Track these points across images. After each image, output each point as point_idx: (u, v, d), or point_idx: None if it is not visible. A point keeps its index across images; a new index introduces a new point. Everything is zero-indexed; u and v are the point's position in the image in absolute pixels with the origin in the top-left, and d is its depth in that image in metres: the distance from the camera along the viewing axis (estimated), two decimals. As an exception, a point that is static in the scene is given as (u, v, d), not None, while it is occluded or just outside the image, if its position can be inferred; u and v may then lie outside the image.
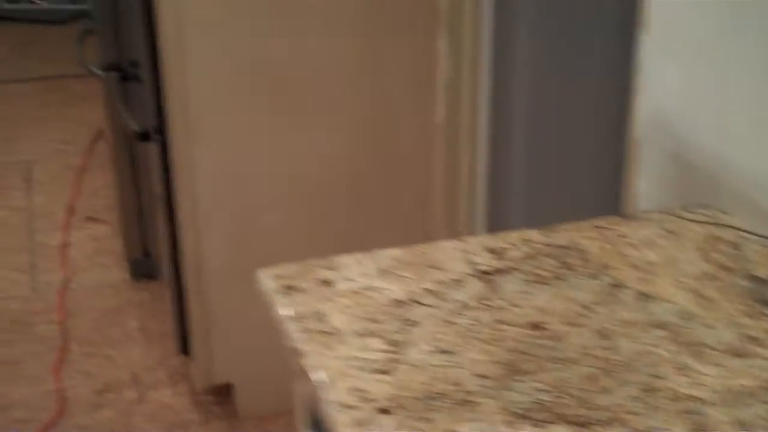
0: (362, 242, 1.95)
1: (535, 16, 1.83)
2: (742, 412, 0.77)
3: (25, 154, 3.24)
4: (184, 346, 1.97)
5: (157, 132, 1.80)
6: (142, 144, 2.17)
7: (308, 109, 1.86)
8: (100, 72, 2.31)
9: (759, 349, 0.85)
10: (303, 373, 0.86)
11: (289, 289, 0.97)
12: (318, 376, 0.83)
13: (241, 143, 1.82)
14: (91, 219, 2.83)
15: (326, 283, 0.98)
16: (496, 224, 2.00)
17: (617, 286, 0.96)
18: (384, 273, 0.99)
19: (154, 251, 2.43)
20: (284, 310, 0.93)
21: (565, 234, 1.06)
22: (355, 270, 1.00)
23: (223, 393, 2.05)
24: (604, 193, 1.82)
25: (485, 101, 1.91)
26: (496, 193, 2.01)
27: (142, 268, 2.51)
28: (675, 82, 1.23)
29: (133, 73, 2.13)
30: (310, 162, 1.89)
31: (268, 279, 0.99)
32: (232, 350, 1.95)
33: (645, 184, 1.32)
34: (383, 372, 0.83)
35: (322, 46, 1.83)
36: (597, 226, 1.08)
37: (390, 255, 1.03)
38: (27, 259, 2.64)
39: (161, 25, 1.71)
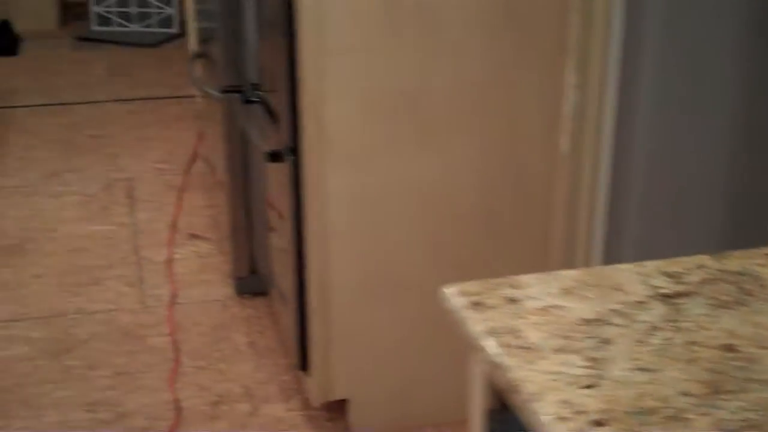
0: (484, 264, 2.01)
1: (666, 45, 1.87)
2: None
3: (126, 172, 3.34)
4: (303, 362, 2.02)
5: (290, 152, 1.87)
6: (258, 164, 2.24)
7: (438, 132, 1.91)
8: (217, 94, 2.38)
9: None
10: (509, 386, 0.89)
11: (478, 306, 1.00)
12: (527, 388, 0.86)
13: (372, 164, 1.88)
14: (193, 236, 2.91)
15: (512, 300, 1.02)
16: (612, 255, 2.03)
17: None
18: (567, 292, 1.03)
19: (261, 269, 2.49)
20: (478, 325, 0.97)
21: (737, 261, 1.09)
22: (538, 289, 1.03)
23: (335, 408, 2.10)
24: (730, 224, 1.84)
25: (609, 132, 1.95)
26: (615, 224, 2.03)
27: (248, 286, 2.57)
28: None
29: (254, 95, 2.20)
30: (438, 184, 1.94)
31: (455, 296, 1.03)
32: (351, 367, 2.00)
33: None
34: (588, 387, 0.86)
35: (452, 73, 1.89)
36: (767, 254, 1.11)
37: (569, 276, 1.07)
38: (134, 273, 2.73)
39: (301, 51, 1.78)
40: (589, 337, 0.94)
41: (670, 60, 1.88)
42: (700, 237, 1.88)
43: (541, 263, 1.99)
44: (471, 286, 1.05)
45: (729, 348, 0.92)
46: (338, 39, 1.78)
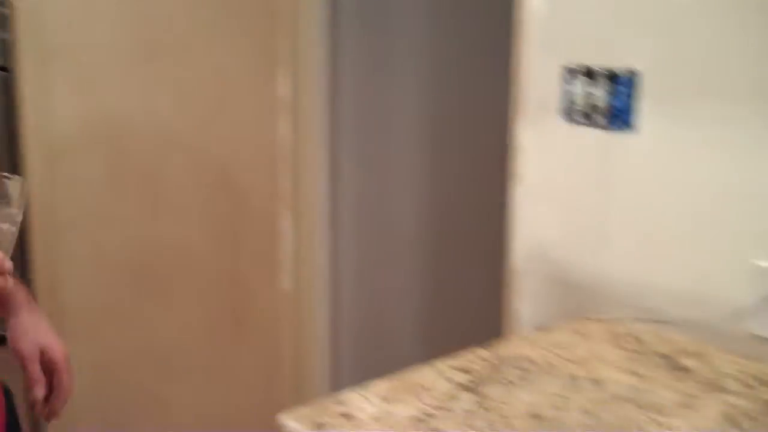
0: (216, 416, 2.15)
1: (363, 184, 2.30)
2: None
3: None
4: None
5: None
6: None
7: (170, 288, 2.06)
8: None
9: (698, 402, 1.16)
10: None
11: (320, 426, 1.08)
12: None
13: (110, 329, 1.94)
14: None
15: (346, 415, 1.10)
16: (336, 380, 2.36)
17: (572, 377, 1.22)
18: (387, 399, 1.14)
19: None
20: None
21: (506, 348, 1.34)
22: (362, 401, 1.14)
23: None
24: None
25: (326, 270, 2.29)
26: (335, 350, 2.36)
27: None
28: (551, 221, 1.58)
29: None
30: (173, 340, 2.06)
31: (293, 421, 1.09)
32: None
33: (525, 305, 1.64)
34: None
35: (177, 233, 2.04)
36: (523, 339, 1.40)
37: (381, 386, 1.19)
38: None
39: (33, 227, 1.83)
40: (425, 431, 1.08)
41: (366, 200, 2.33)
42: (401, 356, 2.05)
43: (270, 394, 2.21)
44: (304, 411, 1.11)
45: (535, 415, 1.11)
46: (66, 211, 1.85)
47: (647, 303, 1.48)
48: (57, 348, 1.25)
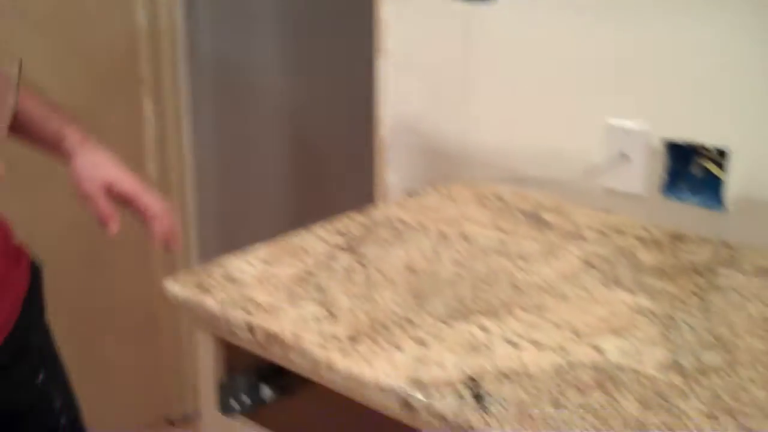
0: (91, 298, 2.16)
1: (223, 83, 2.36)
2: (569, 285, 1.14)
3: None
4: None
5: None
6: None
7: (36, 179, 1.94)
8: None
9: (559, 250, 1.25)
10: (267, 340, 1.01)
11: (204, 289, 1.09)
12: (285, 335, 1.00)
13: None
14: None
15: (229, 277, 1.12)
16: (205, 255, 2.46)
17: (443, 235, 1.29)
18: (269, 262, 1.17)
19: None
20: (213, 301, 1.06)
21: (379, 212, 1.39)
22: (243, 264, 1.16)
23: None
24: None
25: (191, 153, 2.38)
26: (203, 230, 2.46)
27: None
28: (416, 92, 1.63)
29: None
30: (42, 229, 1.95)
31: (177, 285, 1.10)
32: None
33: (395, 174, 1.70)
34: (330, 320, 1.02)
35: None
36: (396, 204, 1.45)
37: (262, 250, 1.22)
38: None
39: None
40: (307, 289, 1.10)
41: (230, 81, 2.40)
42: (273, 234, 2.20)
43: (143, 281, 2.26)
44: (187, 276, 1.12)
45: (410, 267, 1.17)
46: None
47: (509, 165, 1.56)
48: (127, 179, 1.16)
